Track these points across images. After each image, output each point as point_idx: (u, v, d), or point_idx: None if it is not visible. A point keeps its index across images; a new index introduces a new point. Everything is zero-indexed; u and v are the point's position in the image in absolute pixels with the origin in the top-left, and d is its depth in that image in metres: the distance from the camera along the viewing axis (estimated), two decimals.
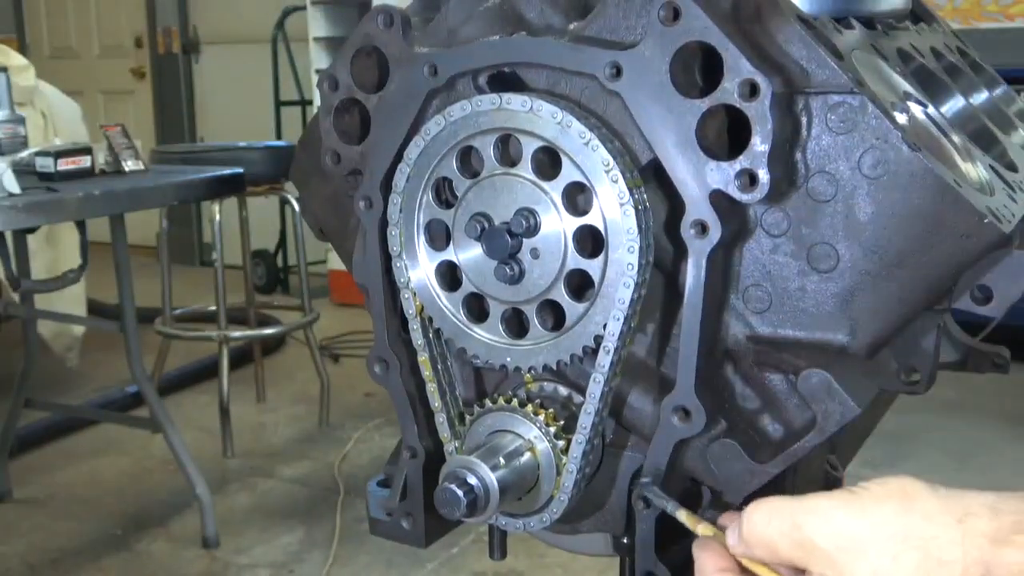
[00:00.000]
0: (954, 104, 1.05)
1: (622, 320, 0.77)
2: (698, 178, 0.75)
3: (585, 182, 0.77)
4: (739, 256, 0.80)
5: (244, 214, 4.43)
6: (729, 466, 0.82)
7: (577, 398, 0.86)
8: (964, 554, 0.61)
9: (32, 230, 3.54)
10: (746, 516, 0.68)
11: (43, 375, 4.05)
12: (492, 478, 0.80)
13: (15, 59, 4.33)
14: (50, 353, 4.54)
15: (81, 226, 3.44)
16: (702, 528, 0.74)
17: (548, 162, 0.79)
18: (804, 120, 0.76)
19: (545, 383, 0.88)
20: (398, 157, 0.86)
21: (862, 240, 0.75)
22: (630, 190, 0.75)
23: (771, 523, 0.67)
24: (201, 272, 7.39)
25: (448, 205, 0.84)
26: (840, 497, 0.65)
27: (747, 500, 0.83)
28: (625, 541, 0.90)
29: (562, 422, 0.84)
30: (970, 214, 0.73)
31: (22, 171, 3.00)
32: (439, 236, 0.85)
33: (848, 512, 0.64)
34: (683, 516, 0.76)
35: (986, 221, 0.72)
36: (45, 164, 3.09)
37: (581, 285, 0.80)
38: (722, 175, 0.74)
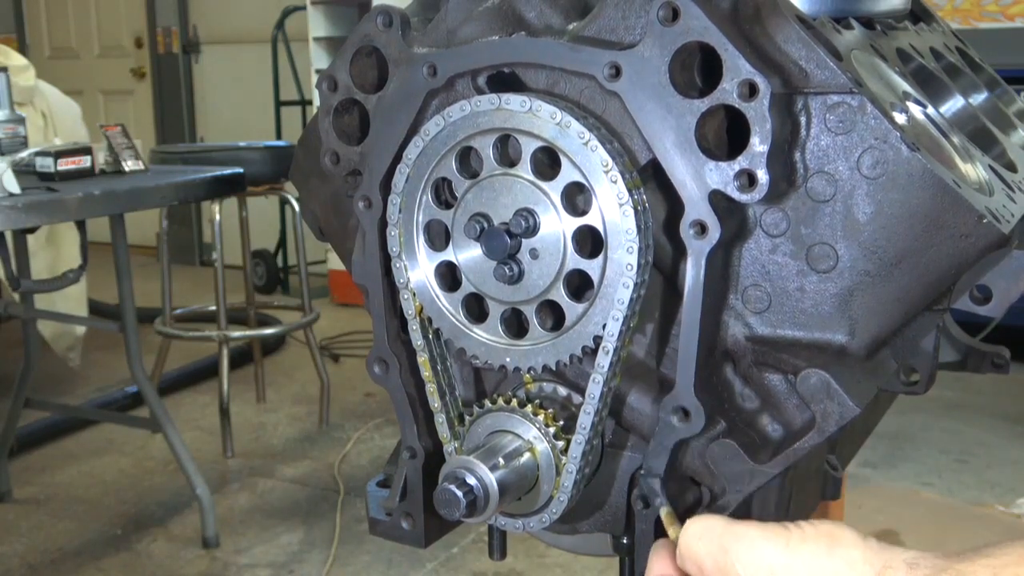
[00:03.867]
0: (953, 104, 1.05)
1: (621, 320, 0.77)
2: (697, 178, 0.75)
3: (584, 182, 0.77)
4: (738, 256, 0.80)
5: (244, 214, 4.43)
6: (728, 466, 0.82)
7: (576, 398, 0.86)
8: None
9: (32, 230, 3.54)
10: (683, 529, 0.70)
11: (43, 375, 4.06)
12: (491, 478, 0.80)
13: (15, 59, 4.34)
14: (50, 353, 4.54)
15: (81, 226, 3.44)
16: (672, 531, 0.75)
17: (547, 162, 0.79)
18: (803, 120, 0.76)
19: (544, 383, 0.88)
20: (397, 157, 0.86)
21: (861, 240, 0.75)
22: (629, 190, 0.75)
23: (701, 541, 0.69)
24: (201, 272, 7.39)
25: (447, 205, 0.84)
26: (770, 530, 0.67)
27: (745, 503, 0.83)
28: (625, 541, 0.90)
29: (561, 422, 0.84)
30: (969, 214, 0.73)
31: (22, 171, 3.01)
32: (438, 236, 0.85)
33: (773, 545, 0.66)
34: (664, 512, 0.78)
35: (985, 221, 0.72)
36: (45, 164, 3.09)
37: (580, 285, 0.80)
38: (721, 175, 0.74)
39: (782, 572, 0.65)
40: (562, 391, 0.87)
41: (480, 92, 0.83)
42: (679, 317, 0.79)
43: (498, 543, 1.01)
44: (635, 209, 0.75)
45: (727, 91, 0.73)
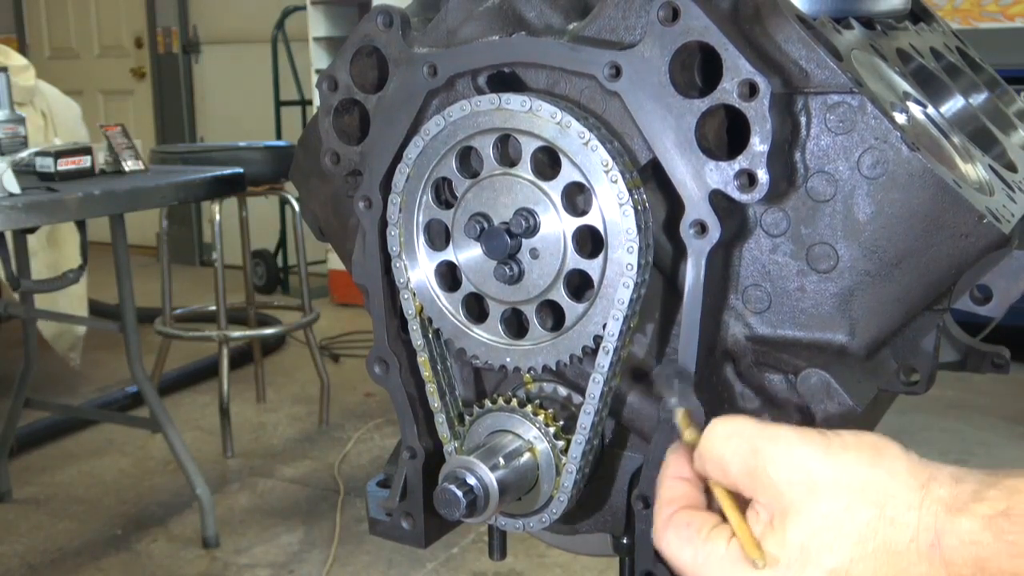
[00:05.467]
0: (954, 104, 1.05)
1: (621, 320, 0.77)
2: (697, 178, 0.75)
3: (584, 182, 0.77)
4: (738, 256, 0.80)
5: (244, 214, 4.43)
6: None
7: (577, 398, 0.86)
8: (918, 519, 0.59)
9: (32, 230, 3.54)
10: (708, 429, 0.66)
11: (43, 375, 4.06)
12: (491, 478, 0.80)
13: (15, 59, 4.34)
14: (50, 353, 4.54)
15: (81, 226, 3.44)
16: (688, 434, 0.70)
17: (547, 162, 0.79)
18: (803, 120, 0.76)
19: (545, 383, 0.88)
20: (397, 157, 0.86)
21: (861, 240, 0.75)
22: (629, 190, 0.75)
23: (729, 441, 0.64)
24: (201, 272, 7.39)
25: (448, 205, 0.84)
26: (808, 435, 0.63)
27: None
28: (625, 541, 0.90)
29: (561, 422, 0.84)
30: (969, 214, 0.73)
31: (22, 171, 3.00)
32: (439, 236, 0.85)
33: (812, 450, 0.62)
34: (680, 414, 0.71)
35: (985, 221, 0.72)
36: (45, 164, 3.09)
37: (580, 285, 0.80)
38: (721, 175, 0.74)
39: (821, 480, 0.61)
40: (562, 391, 0.87)
41: (480, 92, 0.83)
42: (679, 317, 0.79)
43: (498, 543, 1.01)
44: (635, 209, 0.75)
45: (727, 91, 0.73)
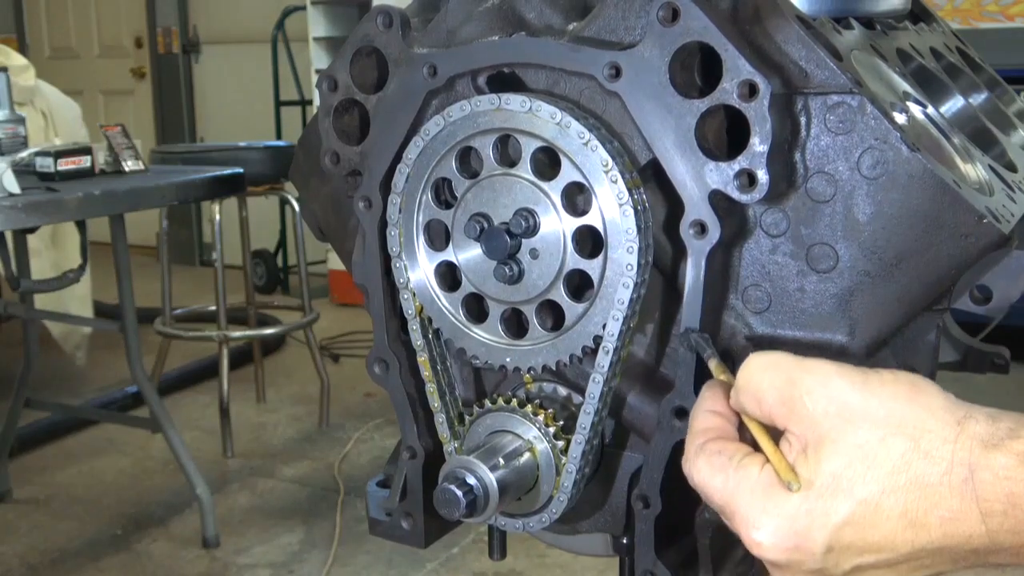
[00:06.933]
0: (954, 104, 1.05)
1: (621, 320, 0.77)
2: (697, 178, 0.75)
3: (584, 182, 0.77)
4: (738, 256, 0.80)
5: (244, 214, 4.43)
6: None
7: (576, 398, 0.86)
8: (952, 453, 0.59)
9: (32, 230, 3.54)
10: (746, 362, 0.66)
11: (43, 375, 4.06)
12: (491, 478, 0.80)
13: (15, 59, 4.34)
14: (50, 353, 4.54)
15: (81, 226, 3.44)
16: (724, 376, 0.71)
17: (547, 162, 0.79)
18: (803, 120, 0.76)
19: (544, 383, 0.88)
20: (397, 157, 0.86)
21: (861, 240, 0.75)
22: (629, 190, 0.75)
23: (766, 372, 0.65)
24: (201, 272, 7.39)
25: (447, 205, 0.84)
26: (846, 369, 0.63)
27: None
28: (625, 541, 0.90)
29: (561, 422, 0.84)
30: (969, 214, 0.73)
31: (22, 171, 3.01)
32: (438, 236, 0.85)
33: (850, 382, 0.62)
34: (714, 363, 0.73)
35: (985, 221, 0.72)
36: (45, 164, 3.09)
37: (580, 285, 0.80)
38: (721, 175, 0.74)
39: (856, 412, 0.61)
40: (562, 391, 0.87)
41: (480, 92, 0.83)
42: (679, 317, 0.79)
43: (498, 543, 1.01)
44: (635, 209, 0.75)
45: (727, 91, 0.73)
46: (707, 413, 0.69)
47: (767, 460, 0.64)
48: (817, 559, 0.61)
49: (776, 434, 0.65)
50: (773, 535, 0.62)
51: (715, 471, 0.65)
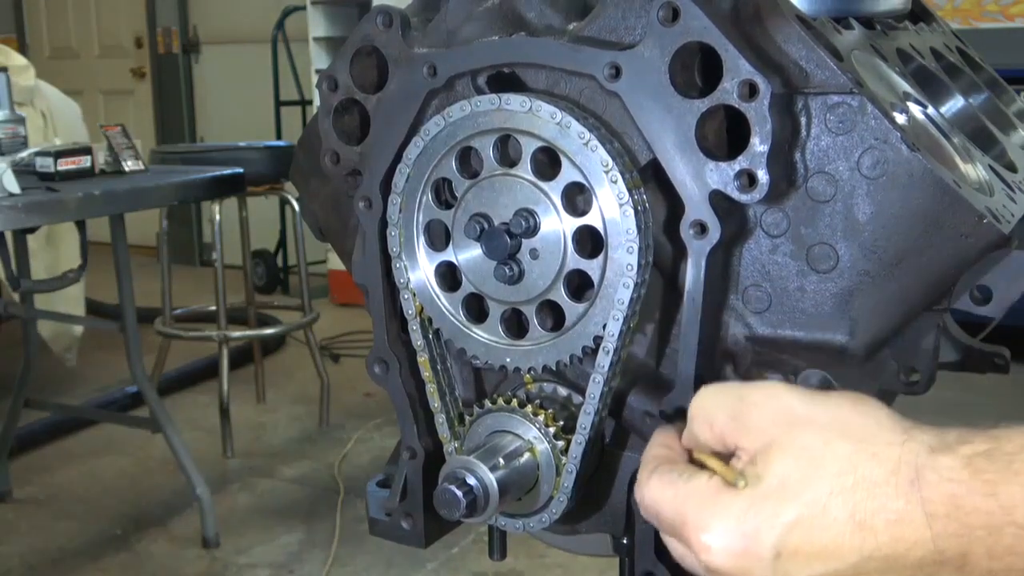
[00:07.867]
0: (954, 104, 1.05)
1: (621, 320, 0.77)
2: (697, 178, 0.75)
3: (584, 182, 0.77)
4: (738, 256, 0.80)
5: (244, 214, 4.43)
6: None
7: (577, 398, 0.86)
8: (899, 455, 0.59)
9: (32, 230, 3.54)
10: (697, 393, 0.69)
11: (43, 375, 4.06)
12: (491, 479, 0.80)
13: (15, 59, 4.34)
14: (50, 353, 4.54)
15: (81, 226, 3.44)
16: (677, 424, 0.74)
17: (547, 162, 0.79)
18: (803, 120, 0.76)
19: (545, 383, 0.88)
20: (397, 157, 0.86)
21: (861, 240, 0.75)
22: (629, 190, 0.75)
23: (716, 396, 0.67)
24: (201, 272, 7.39)
25: (448, 206, 0.84)
26: (795, 386, 0.65)
27: None
28: (625, 541, 0.89)
29: (562, 423, 0.84)
30: (969, 214, 0.73)
31: (22, 171, 3.00)
32: (439, 237, 0.85)
33: (796, 395, 0.64)
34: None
35: (985, 221, 0.72)
36: (45, 164, 3.09)
37: (580, 285, 0.80)
38: (721, 175, 0.74)
39: (803, 418, 0.62)
40: (562, 391, 0.87)
41: (480, 92, 0.83)
42: (679, 317, 0.79)
43: (498, 543, 1.01)
44: (635, 209, 0.75)
45: (727, 91, 0.73)
46: (659, 446, 0.72)
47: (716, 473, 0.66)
48: (766, 565, 0.61)
49: (728, 460, 0.66)
50: (722, 537, 0.62)
51: (665, 486, 0.66)
